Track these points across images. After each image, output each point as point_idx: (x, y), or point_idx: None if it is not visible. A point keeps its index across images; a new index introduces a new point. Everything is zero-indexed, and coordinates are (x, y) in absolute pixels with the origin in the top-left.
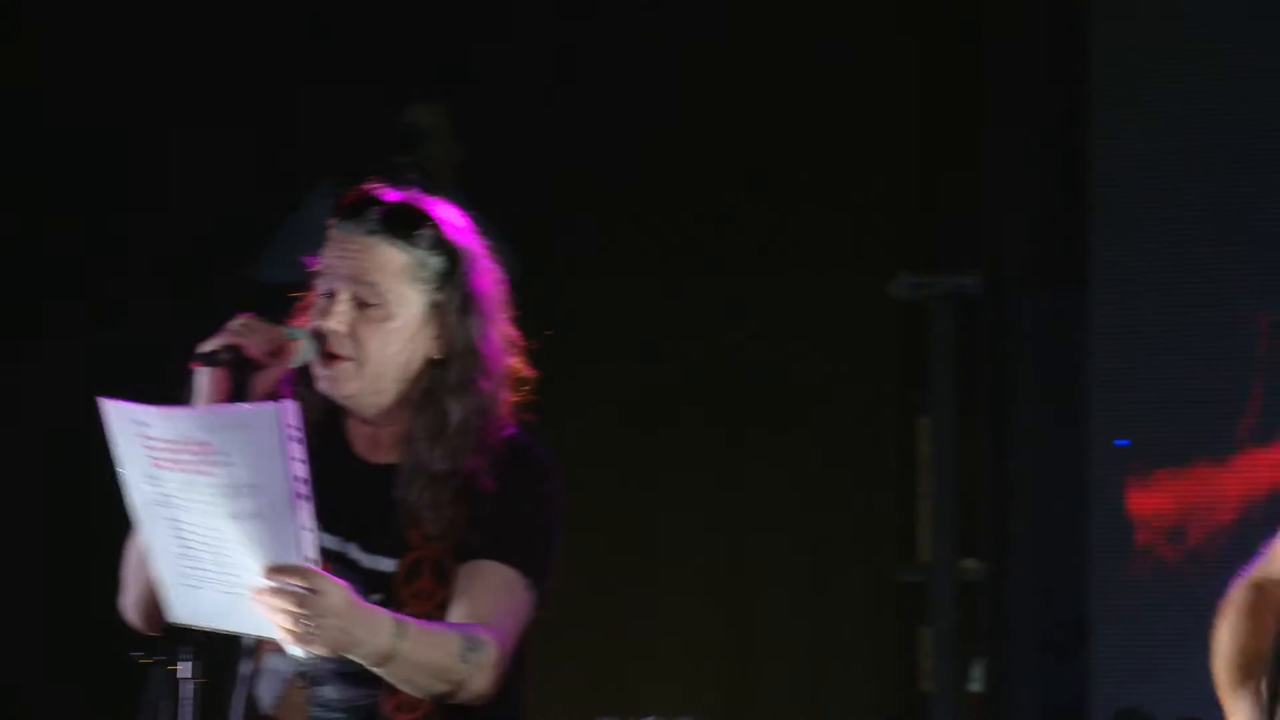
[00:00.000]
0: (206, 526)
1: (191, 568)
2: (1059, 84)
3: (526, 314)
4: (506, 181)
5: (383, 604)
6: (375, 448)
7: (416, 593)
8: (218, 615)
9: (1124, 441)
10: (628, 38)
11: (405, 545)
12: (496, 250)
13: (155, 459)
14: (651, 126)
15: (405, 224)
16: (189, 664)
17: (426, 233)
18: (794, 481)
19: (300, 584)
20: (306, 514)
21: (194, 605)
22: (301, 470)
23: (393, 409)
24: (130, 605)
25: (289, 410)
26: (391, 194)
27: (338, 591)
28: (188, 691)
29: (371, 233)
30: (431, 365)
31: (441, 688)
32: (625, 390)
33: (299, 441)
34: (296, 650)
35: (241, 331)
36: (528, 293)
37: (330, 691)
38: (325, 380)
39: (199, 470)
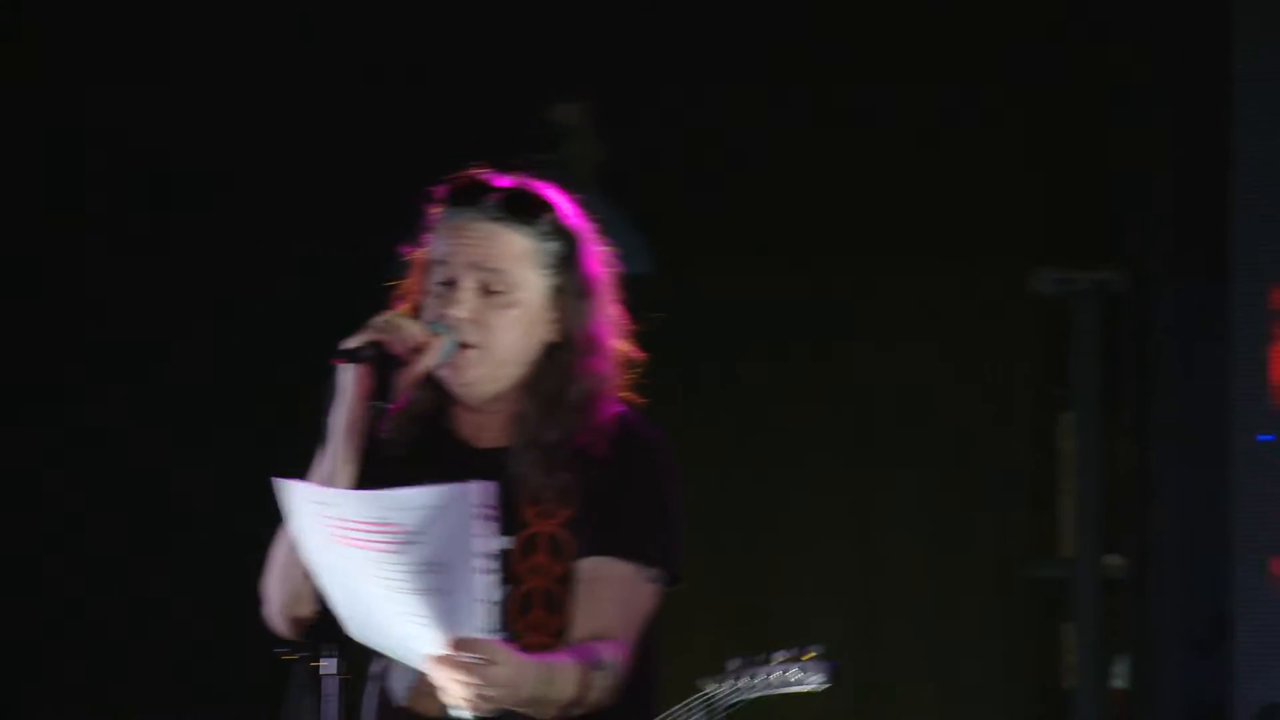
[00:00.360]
0: (385, 598)
1: (368, 627)
2: (1201, 77)
3: (659, 307)
4: (642, 178)
5: (500, 581)
6: (482, 433)
7: (533, 568)
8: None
9: (1268, 437)
10: (761, 36)
11: (520, 523)
12: (635, 245)
13: (338, 537)
14: (786, 122)
15: (527, 209)
16: (332, 660)
17: (547, 217)
18: (932, 476)
19: (477, 657)
20: (483, 587)
21: (366, 631)
22: (483, 546)
23: (506, 393)
24: (276, 613)
25: (480, 491)
26: (500, 179)
27: (510, 661)
28: (331, 687)
29: (494, 219)
30: (547, 348)
31: (571, 711)
32: (757, 384)
33: (485, 519)
34: (464, 711)
35: (384, 328)
36: (661, 286)
37: None
38: (448, 368)
39: (387, 548)
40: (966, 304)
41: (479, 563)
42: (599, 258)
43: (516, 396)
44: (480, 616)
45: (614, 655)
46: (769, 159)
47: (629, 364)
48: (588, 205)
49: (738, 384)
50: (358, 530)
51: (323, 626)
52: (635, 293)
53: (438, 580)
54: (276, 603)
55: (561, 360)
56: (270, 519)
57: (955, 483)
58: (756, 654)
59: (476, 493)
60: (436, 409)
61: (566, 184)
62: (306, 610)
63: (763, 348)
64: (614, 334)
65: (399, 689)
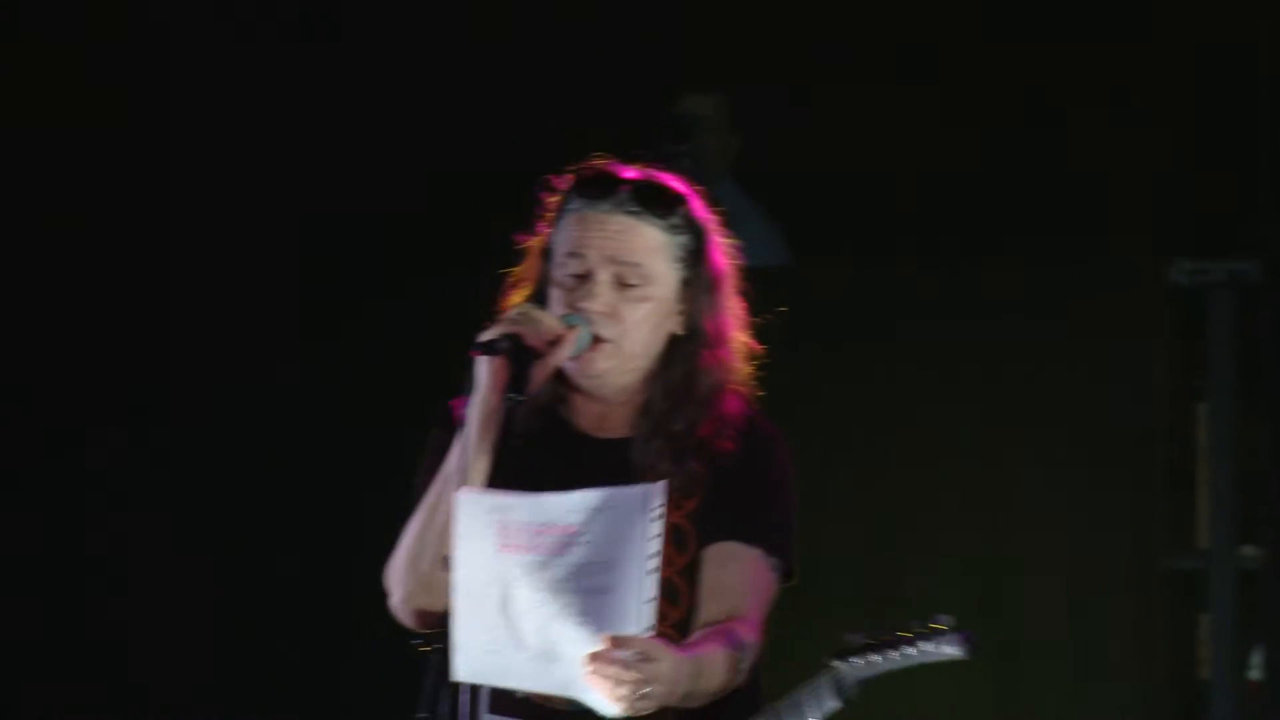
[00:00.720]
0: (543, 600)
1: (505, 637)
2: None
3: (793, 299)
4: (776, 171)
5: None
6: (604, 423)
7: None
8: (509, 676)
9: None
10: (890, 27)
11: None
12: (768, 236)
13: (503, 543)
14: (913, 111)
15: (663, 203)
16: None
17: (680, 211)
18: (1067, 468)
19: (638, 654)
20: (652, 586)
21: (484, 666)
22: (657, 546)
23: (632, 385)
24: (401, 604)
25: (658, 492)
26: (627, 171)
27: (668, 659)
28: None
29: (629, 212)
30: (672, 340)
31: (711, 699)
32: (887, 377)
33: (661, 519)
34: (613, 710)
35: (520, 320)
36: (793, 278)
37: None
38: (579, 361)
39: (555, 551)
40: (1101, 295)
41: (651, 563)
42: (724, 250)
43: (641, 388)
44: (645, 617)
45: (751, 636)
46: (900, 149)
47: (750, 356)
48: (721, 196)
49: (867, 376)
50: (532, 534)
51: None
52: (768, 284)
53: (606, 580)
54: (402, 592)
55: (687, 352)
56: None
57: (1091, 474)
58: (877, 629)
59: (655, 494)
60: (554, 399)
61: (700, 175)
62: (435, 603)
63: (893, 341)
64: (737, 327)
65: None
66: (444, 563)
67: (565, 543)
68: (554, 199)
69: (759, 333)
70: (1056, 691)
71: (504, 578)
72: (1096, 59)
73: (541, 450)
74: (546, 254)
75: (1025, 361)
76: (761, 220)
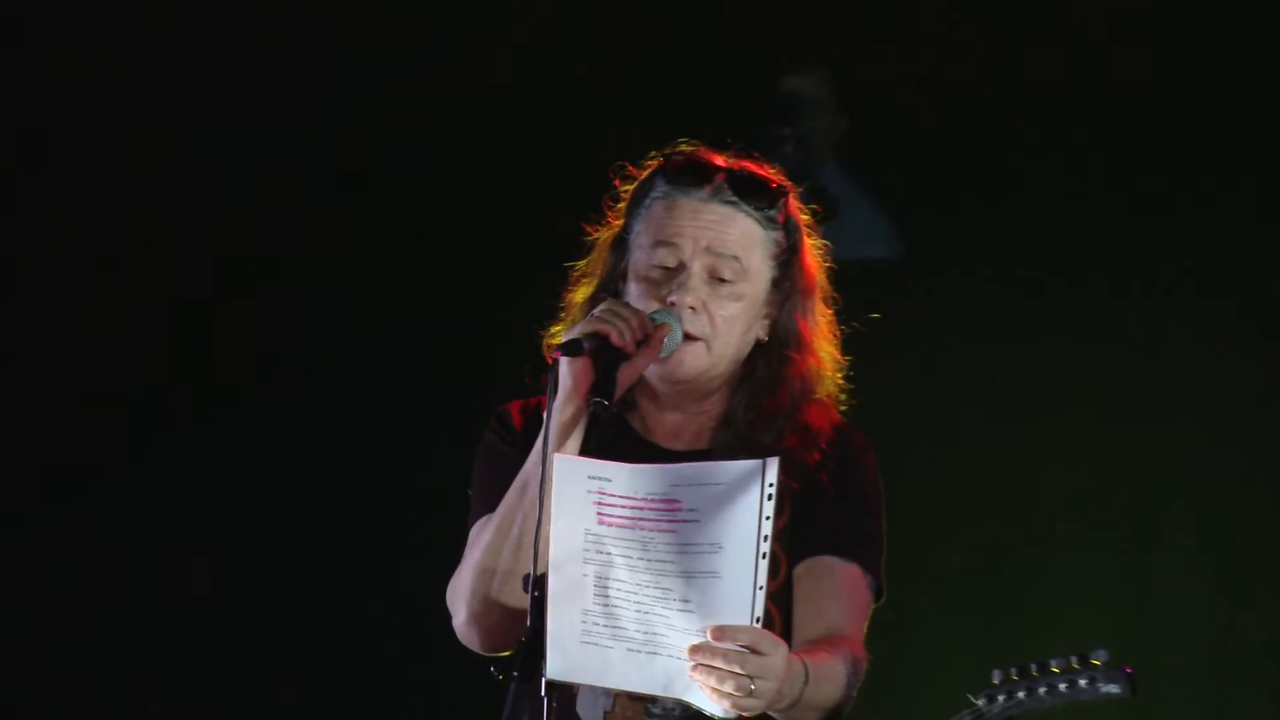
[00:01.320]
0: (643, 583)
1: (602, 625)
2: None
3: (904, 297)
4: (890, 156)
5: None
6: (679, 435)
7: None
8: (606, 673)
9: None
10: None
11: None
12: (877, 227)
13: (603, 515)
14: (1057, 97)
15: (763, 195)
16: (545, 680)
17: (779, 203)
18: (1217, 480)
19: (747, 644)
20: (763, 572)
21: (581, 662)
22: (769, 528)
23: (714, 393)
24: (466, 625)
25: (772, 467)
26: (719, 158)
27: (780, 653)
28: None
29: (727, 201)
30: (757, 346)
31: (818, 716)
32: (1021, 388)
33: (774, 498)
34: (717, 709)
35: (606, 318)
36: (907, 273)
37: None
38: (664, 362)
39: (658, 527)
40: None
41: (764, 546)
42: (815, 251)
43: (721, 396)
44: (758, 605)
45: (863, 656)
46: (1042, 128)
47: (838, 366)
48: (827, 182)
49: (984, 382)
50: (633, 507)
51: (535, 648)
52: (876, 280)
53: (714, 562)
54: (468, 612)
55: (773, 359)
56: None
57: (1240, 489)
58: (1025, 664)
59: (770, 469)
60: (621, 407)
61: (804, 160)
62: (505, 624)
63: (1034, 344)
64: (825, 334)
65: (590, 714)
66: (523, 582)
67: (669, 518)
68: (630, 187)
69: (857, 337)
70: (1201, 713)
71: (601, 556)
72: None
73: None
74: (619, 246)
75: (1204, 351)
76: (869, 208)
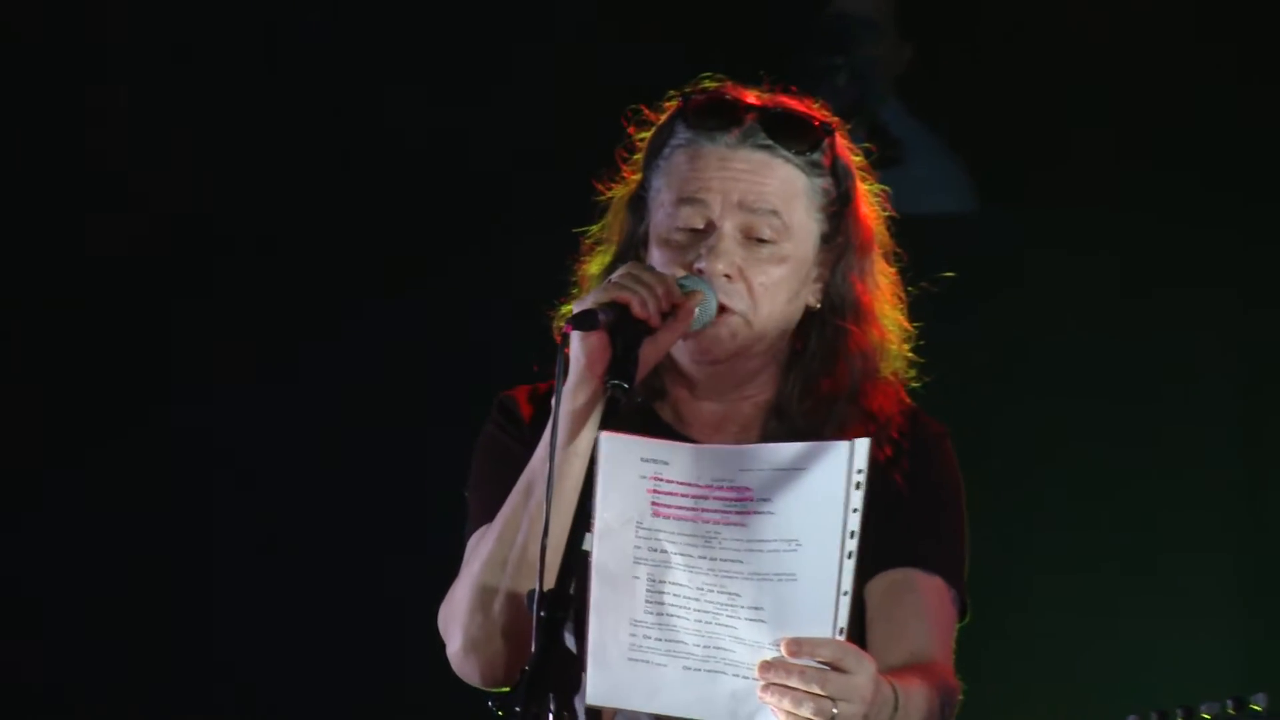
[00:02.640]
0: (706, 587)
1: (655, 638)
2: None
3: (979, 254)
4: (959, 89)
5: None
6: (721, 429)
7: None
8: (657, 695)
9: None
10: None
11: None
12: (946, 174)
13: (659, 506)
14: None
15: (803, 135)
16: (585, 706)
17: (824, 146)
18: None
19: (829, 660)
20: (849, 575)
21: (628, 682)
22: (857, 522)
23: (759, 375)
24: (461, 654)
25: (862, 450)
26: (750, 96)
27: (867, 671)
28: None
29: (761, 146)
30: (808, 316)
31: None
32: (1116, 367)
33: (863, 487)
34: None
35: (626, 284)
36: (981, 226)
37: None
38: (697, 338)
39: (725, 520)
40: None
41: (847, 544)
42: (868, 200)
43: (769, 378)
44: (842, 614)
45: (957, 685)
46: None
47: (905, 336)
48: (888, 121)
49: (1073, 358)
50: (690, 496)
51: (541, 677)
52: (944, 235)
53: (791, 562)
54: (464, 639)
55: (827, 331)
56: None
57: None
58: (1169, 710)
59: (859, 451)
60: (647, 394)
61: (860, 95)
62: (506, 654)
63: (1131, 315)
64: (887, 298)
65: None
66: (528, 599)
67: (738, 509)
68: (646, 135)
69: (925, 302)
70: None
71: (656, 555)
72: None
73: None
74: (637, 205)
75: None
76: (937, 153)
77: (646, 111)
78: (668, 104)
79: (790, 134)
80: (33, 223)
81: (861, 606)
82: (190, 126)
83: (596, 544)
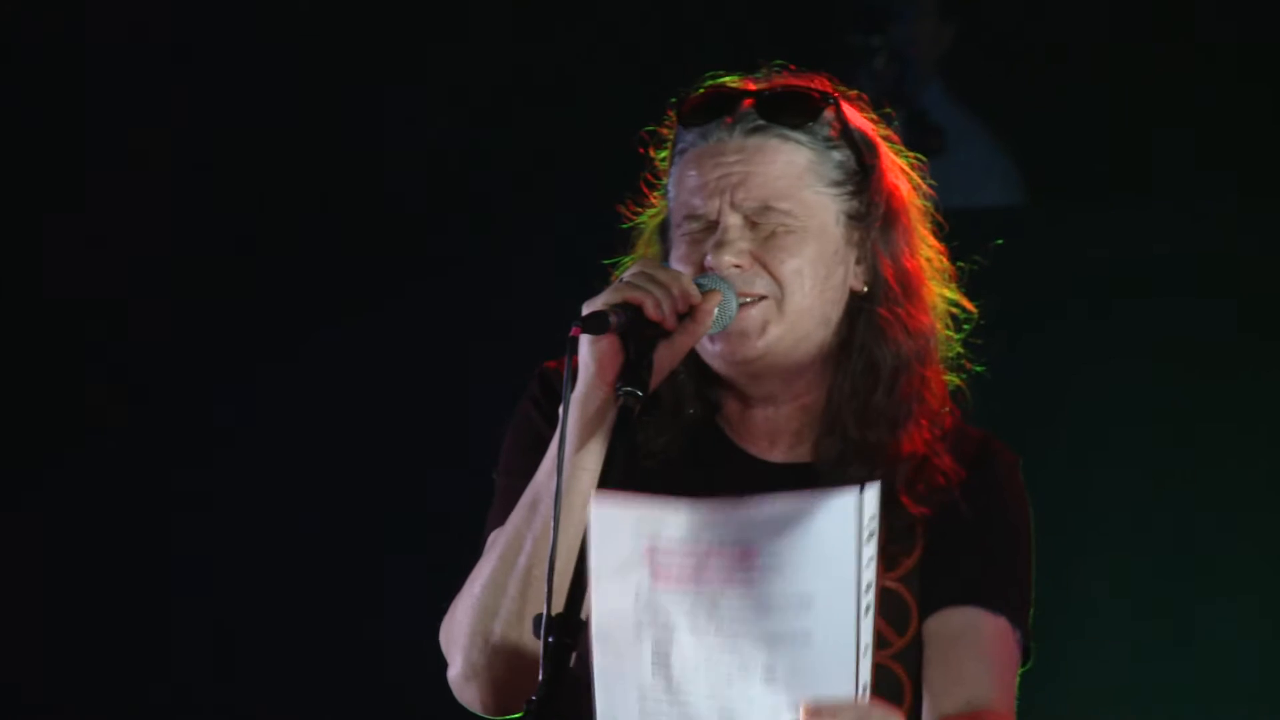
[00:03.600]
0: (715, 649)
1: (665, 704)
2: None
3: (1028, 248)
4: (1005, 72)
5: None
6: (776, 441)
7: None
8: None
9: None
10: None
11: None
12: (991, 162)
13: (658, 575)
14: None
15: (798, 109)
16: None
17: (825, 117)
18: None
19: None
20: (867, 630)
21: None
22: (872, 574)
23: (805, 374)
24: (462, 678)
25: (871, 498)
26: (749, 84)
27: None
28: None
29: (754, 130)
30: (853, 300)
31: None
32: (1176, 360)
33: (875, 536)
34: None
35: (639, 283)
36: (1030, 218)
37: None
38: (727, 340)
39: (729, 582)
40: None
41: (863, 598)
42: (900, 173)
43: (817, 377)
44: (863, 672)
45: None
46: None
47: (958, 322)
48: (929, 106)
49: (1153, 369)
50: (691, 558)
51: (549, 708)
52: (992, 227)
53: (805, 621)
54: (466, 663)
55: (871, 316)
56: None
57: None
58: None
59: (868, 500)
60: (707, 407)
61: (900, 77)
62: (510, 678)
63: (1192, 309)
64: (934, 277)
65: None
66: (534, 624)
67: (743, 569)
68: (666, 154)
69: (992, 291)
70: None
71: (660, 620)
72: None
73: (689, 479)
74: (666, 229)
75: None
76: (983, 141)
77: (663, 130)
78: (670, 112)
79: (784, 110)
80: (33, 223)
81: (921, 644)
82: (189, 126)
83: (594, 614)
